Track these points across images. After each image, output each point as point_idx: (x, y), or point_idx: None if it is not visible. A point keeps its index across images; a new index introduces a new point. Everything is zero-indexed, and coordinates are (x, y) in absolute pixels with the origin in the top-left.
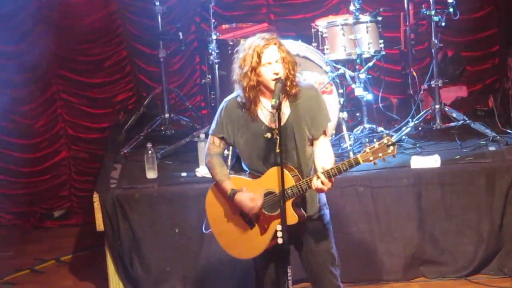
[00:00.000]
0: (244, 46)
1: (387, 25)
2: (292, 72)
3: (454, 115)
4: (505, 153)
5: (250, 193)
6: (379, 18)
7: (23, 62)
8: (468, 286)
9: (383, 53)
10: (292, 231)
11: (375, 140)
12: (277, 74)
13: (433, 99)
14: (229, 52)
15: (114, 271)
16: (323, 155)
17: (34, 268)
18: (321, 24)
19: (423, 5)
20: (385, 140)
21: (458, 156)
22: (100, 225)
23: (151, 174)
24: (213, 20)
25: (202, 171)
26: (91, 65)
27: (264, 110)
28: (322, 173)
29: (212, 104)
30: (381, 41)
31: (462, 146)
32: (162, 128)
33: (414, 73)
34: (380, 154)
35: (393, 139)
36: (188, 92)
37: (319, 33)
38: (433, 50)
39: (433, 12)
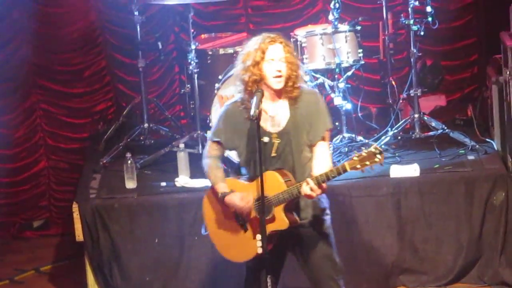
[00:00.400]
0: (249, 43)
1: (366, 35)
2: (295, 74)
3: (433, 124)
4: (484, 162)
5: (241, 193)
6: (358, 28)
7: (2, 72)
8: None
9: (362, 62)
10: (288, 237)
11: (362, 148)
12: (279, 71)
13: (412, 108)
14: (208, 61)
15: (94, 281)
16: (318, 162)
17: (14, 278)
18: (300, 33)
19: (402, 15)
20: (372, 149)
21: (437, 165)
22: (79, 235)
23: (131, 184)
24: (192, 30)
25: (181, 180)
26: (71, 75)
27: (264, 114)
28: (311, 179)
29: (192, 114)
30: (360, 50)
31: (441, 155)
32: (142, 138)
33: (393, 83)
34: (368, 162)
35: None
36: (168, 102)
37: (298, 42)
38: (412, 59)
39: (411, 22)
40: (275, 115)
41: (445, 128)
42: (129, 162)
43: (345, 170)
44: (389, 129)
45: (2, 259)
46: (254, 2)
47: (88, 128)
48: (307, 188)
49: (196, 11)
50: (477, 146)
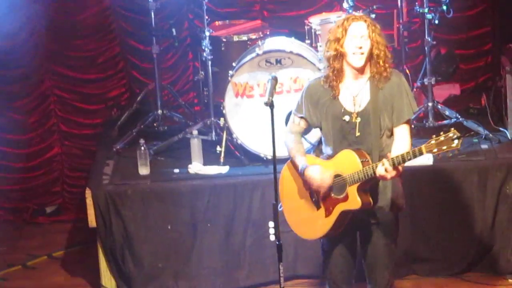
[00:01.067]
0: (336, 22)
1: (380, 23)
2: (383, 53)
3: (447, 112)
4: (498, 151)
5: (321, 167)
6: (372, 16)
7: (17, 58)
8: (460, 284)
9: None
10: (357, 219)
11: (441, 132)
12: (360, 48)
13: (426, 97)
14: (222, 49)
15: (106, 267)
16: (397, 144)
17: (26, 263)
18: (314, 21)
19: (417, 3)
20: (450, 134)
21: (450, 154)
22: (92, 221)
23: (144, 170)
24: (206, 17)
25: (194, 167)
26: (84, 61)
27: (346, 92)
28: (387, 160)
29: (205, 101)
30: None
31: None
32: (155, 124)
33: (407, 71)
34: (445, 147)
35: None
36: (181, 89)
37: (313, 30)
38: (426, 48)
39: (426, 10)
40: (357, 94)
41: (459, 117)
42: (142, 148)
43: (421, 153)
44: None
45: (15, 244)
46: None
47: (101, 114)
48: (382, 168)
49: None
50: (490, 135)
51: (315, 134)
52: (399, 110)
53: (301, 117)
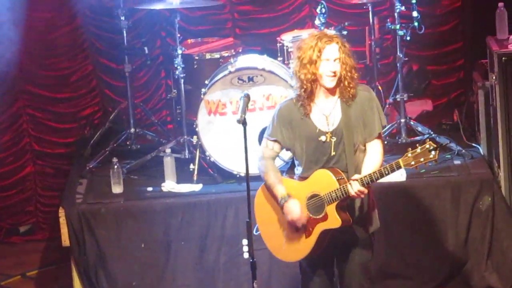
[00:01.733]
0: (306, 40)
1: (352, 40)
2: (349, 74)
3: (419, 129)
4: (470, 167)
5: (301, 206)
6: (344, 33)
7: None
8: None
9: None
10: (335, 238)
11: (417, 145)
12: (333, 72)
13: (399, 113)
14: (195, 66)
15: (80, 286)
16: (369, 159)
17: (0, 283)
18: (286, 38)
19: (388, 20)
20: (427, 145)
21: (423, 170)
22: (65, 240)
23: (117, 189)
24: (179, 35)
25: (168, 185)
26: (57, 80)
27: (318, 112)
28: (355, 180)
29: (178, 119)
30: None
31: None
32: (128, 143)
33: (380, 87)
34: (422, 159)
35: None
36: (154, 107)
37: (285, 47)
38: (398, 64)
39: (398, 27)
40: (329, 114)
41: (431, 133)
42: (115, 167)
43: (399, 167)
44: None
45: None
46: (240, 7)
47: (74, 133)
48: (352, 189)
49: (182, 16)
50: (463, 151)
51: (288, 152)
52: (371, 125)
53: (275, 141)
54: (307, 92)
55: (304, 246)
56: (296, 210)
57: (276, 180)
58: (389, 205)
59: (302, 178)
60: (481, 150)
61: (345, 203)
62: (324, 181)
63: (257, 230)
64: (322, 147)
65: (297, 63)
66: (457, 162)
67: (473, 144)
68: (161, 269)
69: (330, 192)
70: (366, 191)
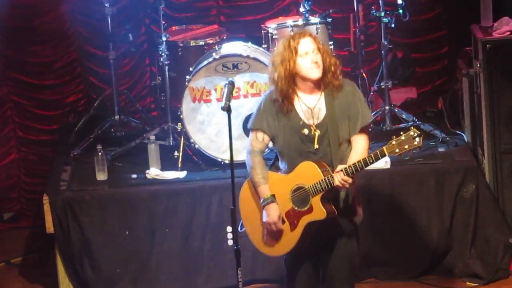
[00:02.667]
0: (278, 46)
1: (337, 27)
2: (333, 62)
3: (404, 116)
4: (455, 154)
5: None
6: (329, 20)
7: None
8: (418, 287)
9: (333, 54)
10: (320, 231)
11: (401, 132)
12: (316, 62)
13: (383, 101)
14: (179, 53)
15: (64, 273)
16: (354, 152)
17: None
18: (271, 25)
19: (373, 7)
20: (411, 132)
21: (407, 158)
22: (50, 227)
23: (101, 176)
24: (163, 22)
25: (152, 172)
26: (41, 67)
27: (302, 105)
28: (341, 170)
29: (162, 106)
30: (331, 42)
31: None
32: (112, 130)
33: (364, 75)
34: (406, 146)
35: None
36: (138, 94)
37: (269, 34)
38: (382, 52)
39: (382, 14)
40: (314, 107)
41: (416, 120)
42: (99, 154)
43: (383, 155)
44: None
45: None
46: None
47: (58, 120)
48: (337, 179)
49: (167, 3)
50: (447, 138)
51: None
52: (355, 119)
53: (263, 131)
54: (285, 92)
55: (290, 239)
56: (274, 215)
57: (262, 180)
58: (373, 193)
59: (287, 171)
60: (465, 138)
61: (330, 195)
62: (309, 173)
63: (242, 227)
64: (306, 140)
65: (272, 68)
66: (441, 149)
67: (458, 132)
68: (146, 256)
69: (315, 184)
70: (350, 180)
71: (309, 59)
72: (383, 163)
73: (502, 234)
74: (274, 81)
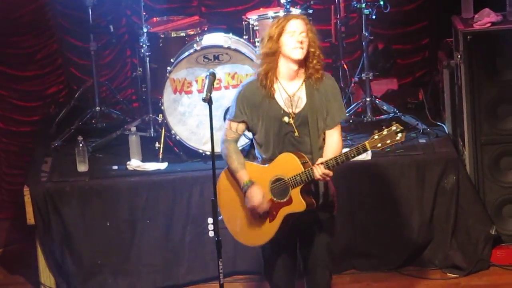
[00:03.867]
0: (273, 21)
1: (318, 18)
2: (318, 52)
3: (385, 107)
4: (435, 146)
5: (263, 193)
6: (310, 11)
7: None
8: (399, 278)
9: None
10: (298, 221)
11: (383, 127)
12: (301, 43)
13: (364, 92)
14: (160, 45)
15: (45, 265)
16: (329, 146)
17: None
18: (252, 17)
19: None
20: (393, 127)
21: (388, 149)
22: (30, 219)
23: (82, 167)
24: (144, 13)
25: (133, 164)
26: (22, 58)
27: (283, 93)
28: (321, 163)
29: (143, 97)
30: None
31: None
32: (93, 121)
33: (345, 66)
34: (389, 141)
35: None
36: (119, 85)
37: (250, 26)
38: (363, 43)
39: (363, 5)
40: (293, 94)
41: (397, 111)
42: (80, 145)
43: (365, 150)
44: None
45: None
46: None
47: (39, 111)
48: (317, 172)
49: None
50: (428, 129)
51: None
52: (333, 113)
53: (240, 122)
54: (267, 70)
55: (268, 230)
56: (257, 196)
57: (239, 166)
58: (354, 184)
59: (266, 160)
60: (446, 129)
61: (309, 187)
62: (288, 165)
63: (219, 215)
64: (286, 128)
65: (261, 42)
66: (422, 140)
67: (438, 123)
68: (127, 247)
69: (294, 176)
70: (331, 173)
71: (295, 38)
72: (364, 155)
73: (483, 225)
74: (261, 56)
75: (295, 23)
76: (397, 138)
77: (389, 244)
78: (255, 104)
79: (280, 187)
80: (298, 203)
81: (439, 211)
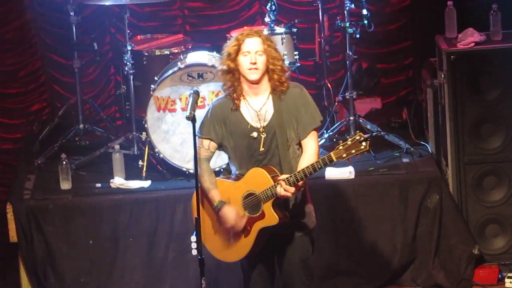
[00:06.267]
0: (231, 38)
1: (302, 37)
2: (278, 67)
3: (368, 126)
4: (419, 165)
5: (235, 208)
6: (294, 30)
7: None
8: None
9: (298, 64)
10: (274, 235)
11: (348, 137)
12: (254, 64)
13: (348, 111)
14: (144, 63)
15: (28, 283)
16: (304, 156)
17: None
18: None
19: (338, 17)
20: (357, 137)
21: (372, 168)
22: (13, 236)
23: (65, 185)
24: (128, 31)
25: (116, 182)
26: (5, 75)
27: (250, 109)
28: (283, 180)
29: (127, 115)
30: (296, 52)
31: (376, 158)
32: (77, 138)
33: (329, 85)
34: (353, 151)
35: None
36: (103, 103)
37: None
38: (347, 62)
39: (347, 24)
40: (260, 109)
41: (380, 130)
42: (64, 163)
43: (331, 160)
44: (325, 131)
45: None
46: (190, 4)
47: (22, 128)
48: (280, 189)
49: (132, 12)
50: (411, 149)
51: None
52: (303, 122)
53: (209, 139)
54: (229, 86)
55: (244, 245)
56: (231, 216)
57: (211, 186)
58: (337, 203)
59: (238, 176)
60: (429, 148)
61: (281, 200)
62: (258, 179)
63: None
64: (254, 143)
65: (221, 58)
66: (405, 160)
67: (422, 142)
68: (110, 265)
69: (265, 190)
70: (292, 189)
71: (248, 59)
72: (347, 173)
73: (465, 244)
74: (220, 76)
75: (249, 42)
76: (362, 147)
77: (372, 263)
78: (224, 121)
79: (252, 202)
80: (270, 217)
81: (422, 230)
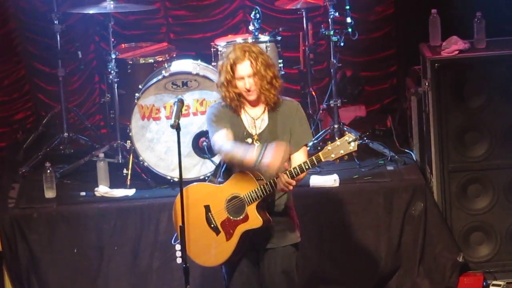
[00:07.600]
0: (223, 61)
1: (286, 45)
2: (268, 85)
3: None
4: (403, 173)
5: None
6: (278, 38)
7: None
8: None
9: (282, 72)
10: (257, 243)
11: (336, 137)
12: (248, 89)
13: (332, 119)
14: (129, 71)
15: None
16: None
17: None
18: (220, 43)
19: (322, 25)
20: (346, 137)
21: (356, 176)
22: None
23: (50, 193)
24: (113, 39)
25: (101, 190)
26: None
27: (248, 116)
28: (284, 172)
29: (112, 123)
30: (280, 60)
31: (361, 166)
32: (61, 147)
33: (313, 93)
34: (342, 151)
35: None
36: (88, 111)
37: (219, 52)
38: (332, 70)
39: (332, 32)
40: (257, 117)
41: (365, 138)
42: (48, 171)
43: (319, 160)
44: None
45: None
46: (174, 12)
47: (7, 137)
48: (281, 180)
49: (116, 20)
50: (396, 156)
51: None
52: (297, 135)
53: (227, 128)
54: (229, 102)
55: (225, 249)
56: (271, 151)
57: (244, 147)
58: (322, 211)
59: (224, 178)
60: (414, 156)
61: (265, 204)
62: (243, 182)
63: (175, 240)
64: None
65: (219, 82)
66: (390, 168)
67: (406, 150)
68: (94, 274)
69: (250, 192)
70: (294, 182)
71: (242, 85)
72: (332, 181)
73: (450, 252)
74: (222, 96)
75: (241, 68)
76: (350, 148)
77: (356, 271)
78: (228, 119)
79: (235, 205)
80: (254, 220)
81: (407, 238)
